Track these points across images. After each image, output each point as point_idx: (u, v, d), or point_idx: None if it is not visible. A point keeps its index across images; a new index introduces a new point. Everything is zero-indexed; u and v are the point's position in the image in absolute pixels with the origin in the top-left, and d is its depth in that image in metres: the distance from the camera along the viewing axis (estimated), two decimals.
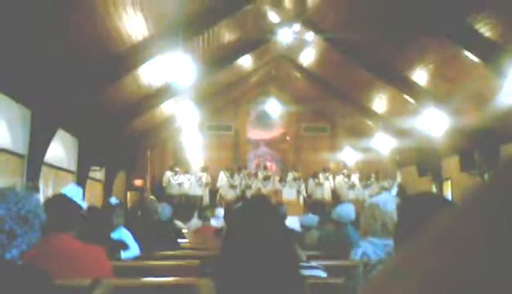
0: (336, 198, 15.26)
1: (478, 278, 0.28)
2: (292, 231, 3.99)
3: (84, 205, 3.40)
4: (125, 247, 4.00)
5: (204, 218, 7.82)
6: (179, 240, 5.42)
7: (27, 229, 1.69)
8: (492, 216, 0.30)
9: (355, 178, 16.19)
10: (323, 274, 2.73)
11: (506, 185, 0.31)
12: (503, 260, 0.28)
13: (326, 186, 16.00)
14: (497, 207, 0.30)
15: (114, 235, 4.18)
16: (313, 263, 2.82)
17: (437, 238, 0.33)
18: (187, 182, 15.32)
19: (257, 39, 12.16)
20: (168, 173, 15.58)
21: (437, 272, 0.30)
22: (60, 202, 2.60)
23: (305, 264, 2.74)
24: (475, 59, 8.39)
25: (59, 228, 2.45)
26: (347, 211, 4.70)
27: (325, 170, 16.25)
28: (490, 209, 0.30)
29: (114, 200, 4.71)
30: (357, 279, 1.79)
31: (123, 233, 4.28)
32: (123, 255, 3.95)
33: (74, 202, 2.69)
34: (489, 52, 8.03)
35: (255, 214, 1.76)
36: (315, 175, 16.09)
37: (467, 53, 8.41)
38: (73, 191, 4.83)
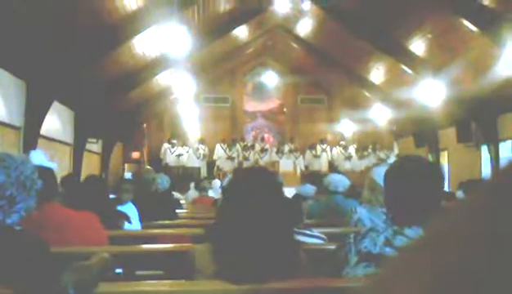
0: (333, 169, 15.29)
1: (479, 278, 0.28)
2: (298, 198, 4.01)
3: (54, 166, 3.26)
4: (128, 220, 4.00)
5: (202, 189, 7.87)
6: (177, 210, 5.45)
7: (26, 196, 1.70)
8: (495, 216, 0.30)
9: (352, 149, 16.20)
10: (321, 242, 2.77)
11: (509, 186, 0.31)
12: (505, 259, 0.28)
13: (324, 158, 16.01)
14: (500, 207, 0.30)
15: (121, 209, 4.18)
16: (315, 231, 2.85)
17: (439, 238, 0.33)
18: (185, 154, 15.32)
19: (253, 9, 11.96)
20: (166, 145, 15.56)
21: (438, 273, 0.30)
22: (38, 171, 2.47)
23: (308, 232, 2.77)
24: (474, 28, 8.30)
25: (44, 197, 2.34)
26: (340, 179, 4.72)
27: (322, 141, 16.21)
28: (492, 209, 0.30)
29: (127, 175, 4.69)
30: (346, 248, 1.79)
31: (130, 209, 4.27)
32: (126, 226, 3.96)
33: (48, 168, 2.58)
34: (488, 21, 7.93)
35: (252, 180, 1.77)
36: (312, 147, 16.08)
37: (466, 22, 8.32)
38: (38, 157, 4.70)
